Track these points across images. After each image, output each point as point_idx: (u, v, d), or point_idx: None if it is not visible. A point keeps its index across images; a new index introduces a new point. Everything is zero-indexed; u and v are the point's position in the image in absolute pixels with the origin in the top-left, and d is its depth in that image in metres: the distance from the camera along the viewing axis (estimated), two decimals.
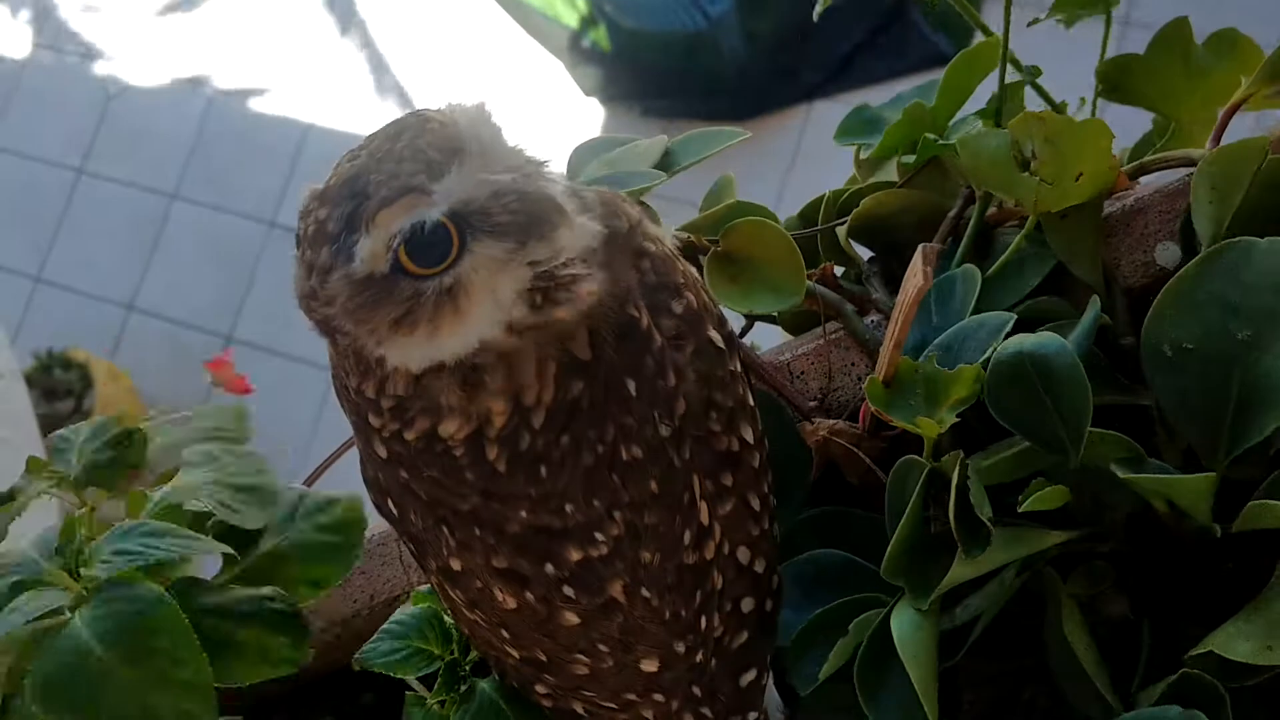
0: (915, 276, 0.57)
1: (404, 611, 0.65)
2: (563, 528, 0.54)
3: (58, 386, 2.86)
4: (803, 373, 0.74)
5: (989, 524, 0.56)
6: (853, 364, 0.74)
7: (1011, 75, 0.76)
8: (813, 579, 0.68)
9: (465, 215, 0.48)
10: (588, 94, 2.75)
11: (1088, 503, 0.64)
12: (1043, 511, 0.60)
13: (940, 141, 0.72)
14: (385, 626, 0.65)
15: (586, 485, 0.53)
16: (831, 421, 0.70)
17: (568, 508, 0.54)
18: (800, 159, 2.53)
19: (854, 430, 0.70)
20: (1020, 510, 0.58)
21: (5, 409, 1.82)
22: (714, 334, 0.57)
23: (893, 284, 0.78)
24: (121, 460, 0.68)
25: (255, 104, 3.02)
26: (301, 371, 2.61)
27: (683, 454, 0.55)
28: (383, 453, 0.55)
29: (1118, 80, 0.76)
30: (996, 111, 0.73)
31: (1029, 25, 0.77)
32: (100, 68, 3.17)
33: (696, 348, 0.56)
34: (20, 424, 1.82)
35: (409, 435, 0.53)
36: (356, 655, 0.66)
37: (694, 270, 0.59)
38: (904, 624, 0.59)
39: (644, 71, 2.68)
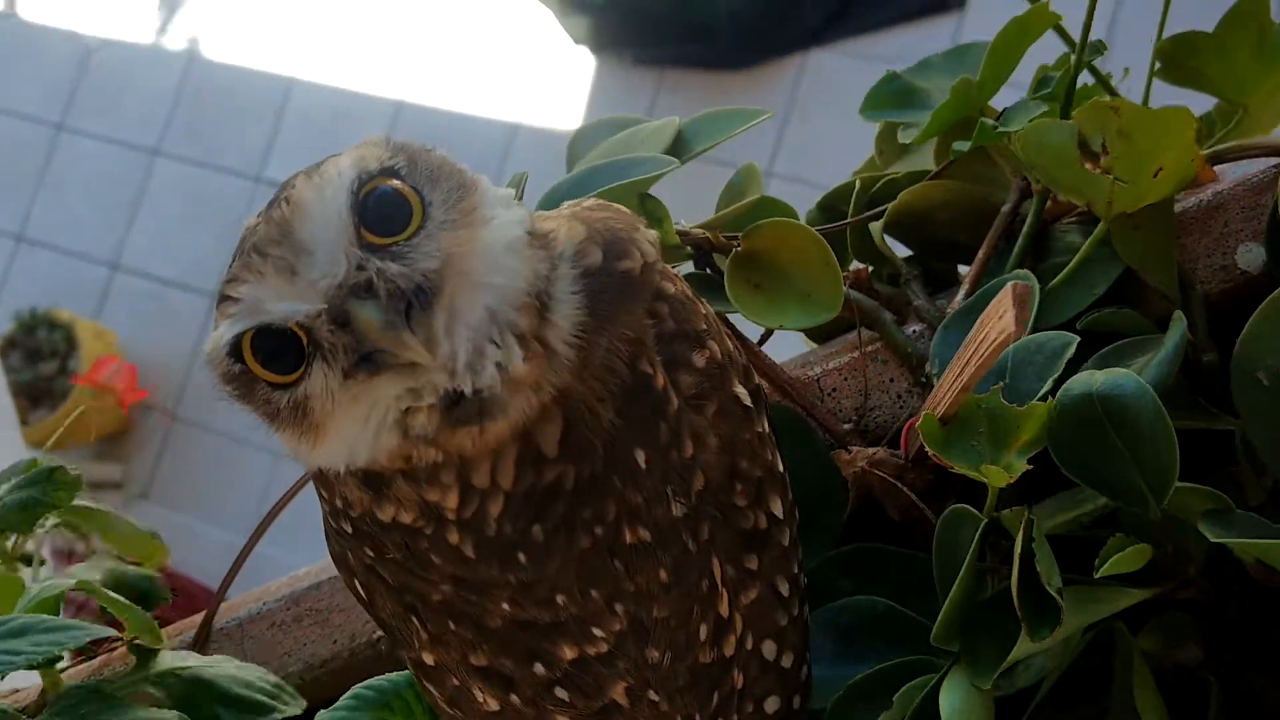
0: (1002, 319, 0.48)
1: (386, 678, 0.57)
2: (553, 622, 0.46)
3: (41, 347, 2.78)
4: (834, 389, 0.66)
5: (1059, 598, 0.48)
6: (891, 380, 0.65)
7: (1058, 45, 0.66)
8: (849, 629, 0.60)
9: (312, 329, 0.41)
10: (577, 42, 2.64)
11: (1168, 553, 0.56)
12: None
13: (1000, 129, 0.63)
14: (357, 691, 0.58)
15: (582, 573, 0.45)
16: (871, 450, 0.61)
17: (559, 599, 0.46)
18: (796, 111, 2.42)
19: (897, 460, 0.61)
20: (1097, 576, 0.51)
21: None
22: (740, 390, 0.49)
23: (934, 286, 0.69)
24: (40, 501, 0.60)
25: (238, 58, 2.91)
26: None
27: (700, 535, 0.47)
28: (347, 526, 0.47)
29: (1179, 59, 0.67)
30: (1067, 95, 0.63)
31: None
32: (81, 23, 3.06)
33: (720, 408, 0.47)
34: None
35: (354, 513, 0.46)
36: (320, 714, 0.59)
37: (715, 314, 0.51)
38: (956, 700, 0.52)
39: (635, 18, 2.57)
